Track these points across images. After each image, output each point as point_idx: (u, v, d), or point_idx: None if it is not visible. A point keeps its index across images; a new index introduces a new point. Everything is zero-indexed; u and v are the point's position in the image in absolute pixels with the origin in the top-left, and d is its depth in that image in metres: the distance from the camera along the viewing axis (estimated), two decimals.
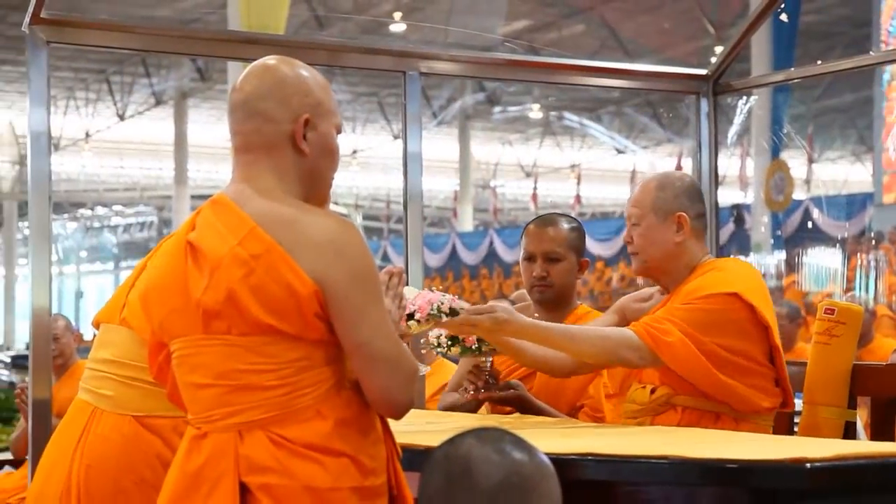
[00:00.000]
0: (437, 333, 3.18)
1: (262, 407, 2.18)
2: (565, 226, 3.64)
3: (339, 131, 2.39)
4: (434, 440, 1.86)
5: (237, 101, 2.34)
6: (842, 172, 32.01)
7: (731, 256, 3.75)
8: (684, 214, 3.22)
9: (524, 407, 3.44)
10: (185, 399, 2.31)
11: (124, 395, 2.56)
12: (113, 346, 2.62)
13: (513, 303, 4.04)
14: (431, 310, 3.00)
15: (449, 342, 3.17)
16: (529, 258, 3.63)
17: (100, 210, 35.93)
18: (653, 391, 3.17)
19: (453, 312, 3.01)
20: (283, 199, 2.28)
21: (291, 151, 2.30)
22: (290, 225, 2.22)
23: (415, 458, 2.31)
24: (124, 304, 2.63)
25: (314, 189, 2.35)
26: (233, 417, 2.20)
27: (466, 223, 30.28)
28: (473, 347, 3.16)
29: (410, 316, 2.99)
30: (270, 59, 2.36)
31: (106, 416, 2.55)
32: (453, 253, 27.82)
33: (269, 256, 2.19)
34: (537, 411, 3.43)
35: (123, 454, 2.53)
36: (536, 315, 3.59)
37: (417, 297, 3.03)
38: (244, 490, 2.17)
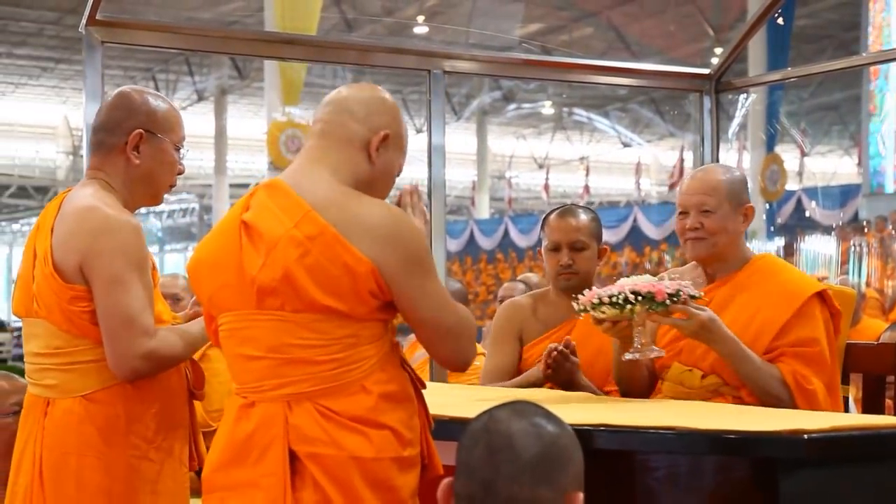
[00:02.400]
0: (616, 290, 2.85)
1: (311, 380, 2.18)
2: (586, 216, 3.58)
3: (399, 171, 2.41)
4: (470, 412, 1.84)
5: (335, 97, 2.40)
6: (831, 165, 31.84)
7: (771, 254, 3.68)
8: (752, 207, 3.19)
9: (570, 386, 3.30)
10: (233, 370, 2.31)
11: (66, 380, 2.52)
12: (38, 339, 2.57)
13: (531, 288, 3.99)
14: (668, 294, 2.81)
15: (636, 297, 2.82)
16: (555, 248, 3.53)
17: None
18: (703, 377, 3.06)
19: (676, 297, 2.84)
20: (337, 187, 2.28)
21: (361, 154, 2.34)
22: (345, 210, 2.23)
23: (455, 428, 2.30)
24: (34, 296, 2.55)
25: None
26: (283, 389, 2.19)
27: (483, 211, 30.26)
28: (667, 301, 2.83)
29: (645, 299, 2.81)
30: (375, 86, 2.45)
31: (58, 403, 2.52)
32: (471, 238, 27.79)
33: (323, 238, 2.19)
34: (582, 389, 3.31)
35: (79, 433, 2.49)
36: (552, 303, 3.57)
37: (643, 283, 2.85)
38: (292, 457, 2.16)
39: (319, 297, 2.17)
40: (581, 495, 1.51)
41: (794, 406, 2.95)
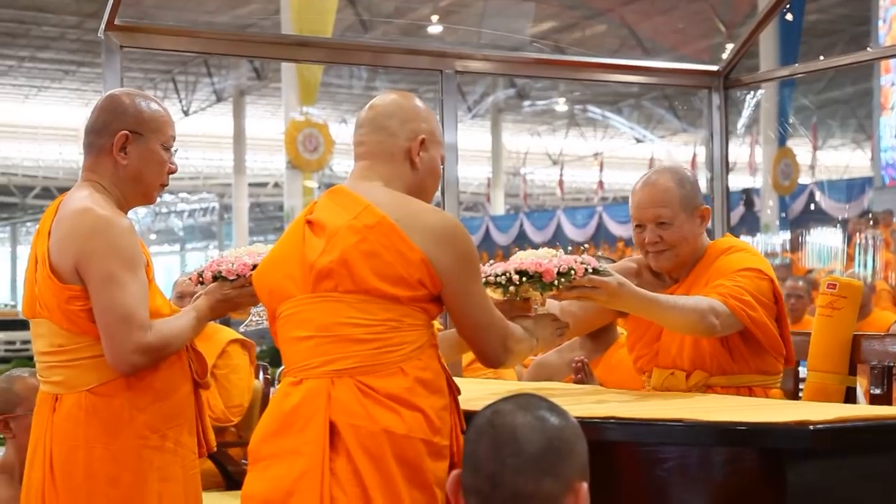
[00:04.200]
0: (501, 270, 2.66)
1: (353, 357, 2.30)
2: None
3: (442, 161, 2.58)
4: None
5: (365, 117, 2.52)
6: (843, 158, 31.70)
7: (729, 236, 3.63)
8: (707, 208, 3.15)
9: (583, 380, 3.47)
10: (284, 353, 2.42)
11: (71, 376, 2.56)
12: (43, 338, 2.61)
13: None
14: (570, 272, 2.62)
15: (521, 277, 2.64)
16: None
17: (167, 197, 36.14)
18: (687, 376, 3.07)
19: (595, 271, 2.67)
20: (395, 193, 2.44)
21: (406, 164, 2.48)
22: (403, 207, 2.38)
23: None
24: (36, 298, 2.60)
25: (426, 196, 2.51)
26: (327, 365, 2.31)
27: (499, 207, 30.25)
28: (556, 283, 2.64)
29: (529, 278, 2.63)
30: (395, 92, 2.56)
31: (65, 399, 2.57)
32: (487, 234, 27.80)
33: (380, 227, 2.34)
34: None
35: (86, 426, 2.54)
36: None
37: (528, 260, 2.67)
38: (333, 428, 2.27)
39: (370, 278, 2.31)
40: (586, 486, 1.52)
41: (735, 326, 2.92)
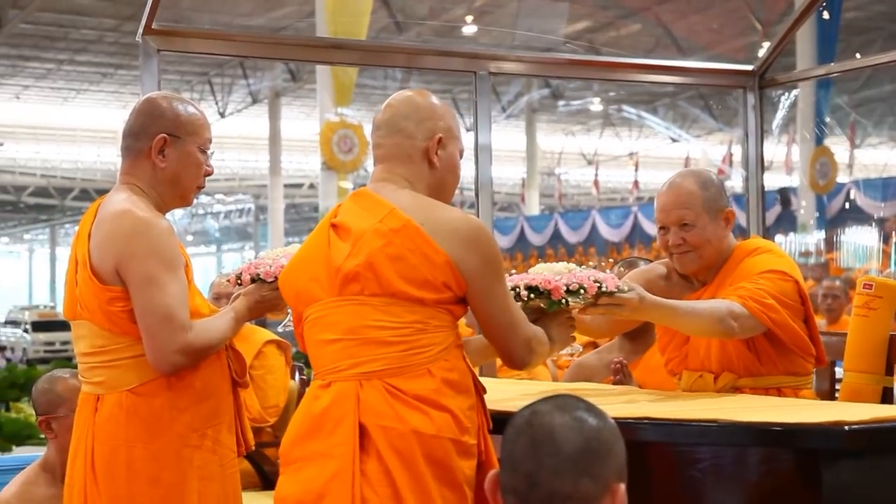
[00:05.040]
0: (512, 284, 2.63)
1: (381, 360, 2.32)
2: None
3: (461, 155, 2.57)
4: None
5: (381, 120, 2.54)
6: (882, 157, 31.38)
7: (757, 238, 3.60)
8: (732, 210, 3.14)
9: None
10: (312, 356, 2.44)
11: (112, 376, 2.60)
12: (84, 339, 2.65)
13: None
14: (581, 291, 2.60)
15: (530, 294, 2.63)
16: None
17: (203, 198, 36.43)
18: (716, 378, 3.07)
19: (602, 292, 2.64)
20: (418, 195, 2.45)
21: (424, 163, 2.49)
22: (427, 211, 2.39)
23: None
24: (77, 300, 2.63)
25: (439, 199, 2.48)
26: (356, 368, 2.33)
27: (533, 207, 30.21)
28: (563, 301, 2.62)
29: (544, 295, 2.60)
30: (411, 90, 2.56)
31: (106, 399, 2.61)
32: (521, 235, 27.77)
33: (406, 230, 2.35)
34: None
35: (127, 425, 2.58)
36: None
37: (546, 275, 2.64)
38: (362, 430, 2.29)
39: (396, 281, 2.33)
40: (623, 487, 1.52)
41: (756, 328, 2.92)
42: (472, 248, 2.36)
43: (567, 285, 2.60)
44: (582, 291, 2.61)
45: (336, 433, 2.30)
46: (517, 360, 2.50)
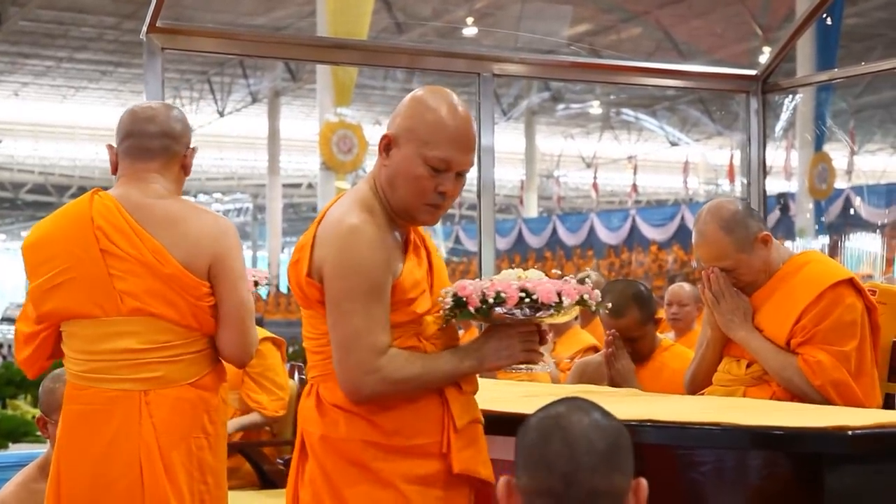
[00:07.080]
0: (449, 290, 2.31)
1: (315, 368, 2.40)
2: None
3: (430, 164, 2.31)
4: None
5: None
6: (881, 163, 31.43)
7: (811, 251, 3.62)
8: (764, 233, 3.12)
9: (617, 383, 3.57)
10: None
11: (173, 370, 2.66)
12: (135, 336, 2.64)
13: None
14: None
15: (453, 302, 2.29)
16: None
17: (202, 197, 36.45)
18: (748, 365, 3.10)
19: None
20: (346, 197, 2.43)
21: (381, 156, 2.39)
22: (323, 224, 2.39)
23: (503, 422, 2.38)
24: (120, 294, 2.63)
25: (393, 197, 2.36)
26: (310, 373, 2.42)
27: (532, 210, 30.24)
28: (483, 310, 2.26)
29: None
30: (427, 88, 2.42)
31: (165, 392, 2.65)
32: (520, 237, 27.79)
33: (304, 249, 2.36)
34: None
35: (190, 415, 2.67)
36: None
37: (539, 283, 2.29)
38: (302, 433, 2.43)
39: (299, 296, 2.41)
40: (644, 481, 1.59)
41: (814, 391, 2.93)
42: (328, 252, 2.32)
43: (483, 292, 2.24)
44: (501, 297, 2.22)
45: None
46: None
